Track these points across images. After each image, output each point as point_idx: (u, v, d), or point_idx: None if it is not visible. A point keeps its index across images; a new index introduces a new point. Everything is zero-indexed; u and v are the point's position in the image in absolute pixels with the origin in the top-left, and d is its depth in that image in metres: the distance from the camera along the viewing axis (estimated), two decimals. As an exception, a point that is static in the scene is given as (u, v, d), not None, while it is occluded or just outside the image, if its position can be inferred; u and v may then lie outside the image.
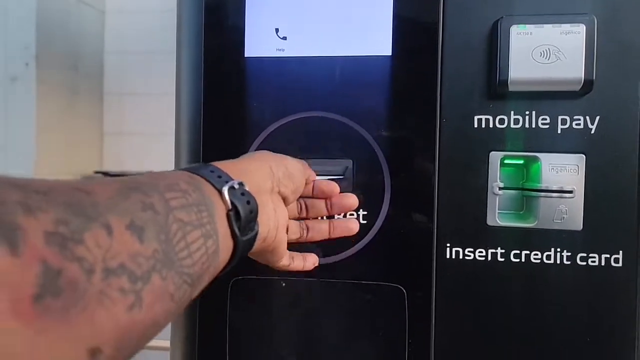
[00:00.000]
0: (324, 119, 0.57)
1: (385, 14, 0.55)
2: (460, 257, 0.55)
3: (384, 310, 0.57)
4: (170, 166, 0.69)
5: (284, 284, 0.60)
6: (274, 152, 0.57)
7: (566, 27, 0.50)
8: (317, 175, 0.57)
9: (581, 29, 0.50)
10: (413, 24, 0.55)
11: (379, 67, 0.56)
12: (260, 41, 0.58)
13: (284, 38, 0.58)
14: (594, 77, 0.51)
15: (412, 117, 0.55)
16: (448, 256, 0.55)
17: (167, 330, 0.67)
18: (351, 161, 0.57)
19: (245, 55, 0.58)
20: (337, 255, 0.58)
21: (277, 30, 0.58)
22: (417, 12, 0.55)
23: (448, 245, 0.55)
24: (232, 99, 0.59)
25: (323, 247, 0.58)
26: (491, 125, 0.53)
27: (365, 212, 0.57)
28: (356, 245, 0.57)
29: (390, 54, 0.55)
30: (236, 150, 0.59)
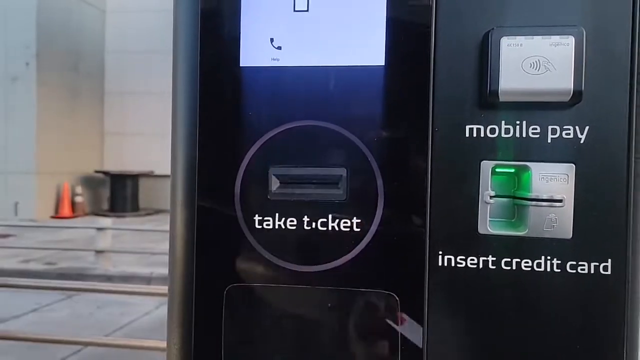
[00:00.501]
0: (318, 127, 0.58)
1: (379, 24, 0.56)
2: (452, 264, 0.55)
3: (377, 317, 0.58)
4: (169, 167, 0.70)
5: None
6: (269, 160, 0.58)
7: (555, 38, 0.51)
8: (311, 183, 0.58)
9: (570, 40, 0.51)
10: (406, 35, 0.56)
11: (373, 77, 0.57)
12: (255, 51, 0.59)
13: (279, 48, 0.59)
14: (583, 88, 0.52)
15: (405, 126, 0.56)
16: (440, 264, 0.56)
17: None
18: (345, 169, 0.58)
19: (241, 65, 0.59)
20: (332, 263, 0.59)
21: (272, 40, 0.59)
22: (409, 23, 0.56)
23: (440, 252, 0.56)
24: (227, 107, 0.60)
25: (318, 254, 0.59)
26: (482, 135, 0.54)
27: (359, 220, 0.58)
28: (350, 253, 0.58)
29: (383, 64, 0.56)
30: (232, 157, 0.60)
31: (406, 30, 0.56)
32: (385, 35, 0.56)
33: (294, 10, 0.58)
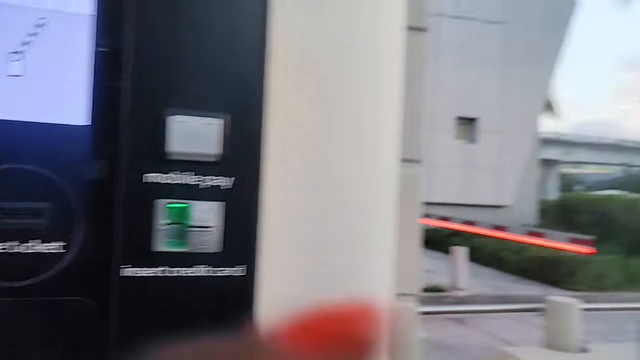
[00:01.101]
0: (27, 170, 0.73)
1: (83, 94, 0.74)
2: (135, 275, 0.76)
3: (75, 322, 0.74)
4: None
5: (-10, 305, 0.72)
6: None
7: (209, 119, 0.77)
8: (20, 214, 0.72)
9: (219, 121, 0.78)
10: (104, 104, 0.75)
11: (79, 133, 0.74)
12: (-28, 103, 0.71)
13: (-5, 103, 0.72)
14: (228, 152, 0.79)
15: (101, 172, 0.75)
16: (126, 275, 0.75)
17: None
18: (49, 203, 0.73)
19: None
20: (39, 277, 0.73)
21: (-12, 95, 0.71)
22: (106, 95, 0.75)
23: (126, 265, 0.75)
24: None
25: (26, 271, 0.72)
26: (158, 181, 0.76)
27: (65, 243, 0.74)
28: (54, 269, 0.74)
29: (89, 124, 0.74)
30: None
31: (105, 100, 0.75)
32: (90, 102, 0.75)
33: (8, 75, 0.72)
